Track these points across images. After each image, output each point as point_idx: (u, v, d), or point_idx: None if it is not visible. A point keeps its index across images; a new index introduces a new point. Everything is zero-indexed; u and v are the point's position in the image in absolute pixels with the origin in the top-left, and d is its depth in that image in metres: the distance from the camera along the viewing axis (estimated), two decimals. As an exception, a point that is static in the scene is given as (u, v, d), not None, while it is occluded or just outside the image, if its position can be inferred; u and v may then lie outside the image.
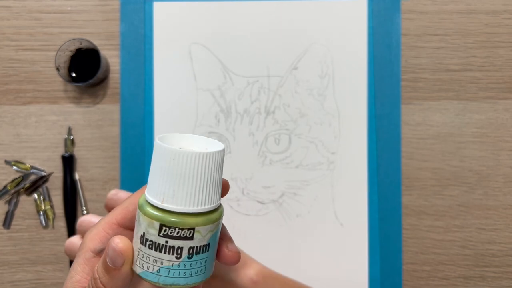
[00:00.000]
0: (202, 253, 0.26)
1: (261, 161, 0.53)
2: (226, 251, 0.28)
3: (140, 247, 0.26)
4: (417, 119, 0.54)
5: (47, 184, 0.53)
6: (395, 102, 0.53)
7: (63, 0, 0.54)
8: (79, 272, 0.28)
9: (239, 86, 0.54)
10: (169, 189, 0.25)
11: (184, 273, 0.26)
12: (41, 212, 0.53)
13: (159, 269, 0.25)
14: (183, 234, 0.25)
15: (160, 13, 0.54)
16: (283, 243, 0.53)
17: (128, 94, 0.53)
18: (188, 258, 0.25)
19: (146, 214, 0.25)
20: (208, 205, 0.25)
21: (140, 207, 0.26)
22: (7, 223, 0.53)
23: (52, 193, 0.53)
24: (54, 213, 0.53)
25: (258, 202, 0.53)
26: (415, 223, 0.53)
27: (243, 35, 0.54)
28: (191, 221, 0.25)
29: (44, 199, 0.53)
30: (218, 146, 0.26)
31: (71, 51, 0.53)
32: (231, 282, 0.39)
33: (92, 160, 0.53)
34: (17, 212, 0.53)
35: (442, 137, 0.54)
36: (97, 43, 0.53)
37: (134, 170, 0.53)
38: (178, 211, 0.25)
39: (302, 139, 0.53)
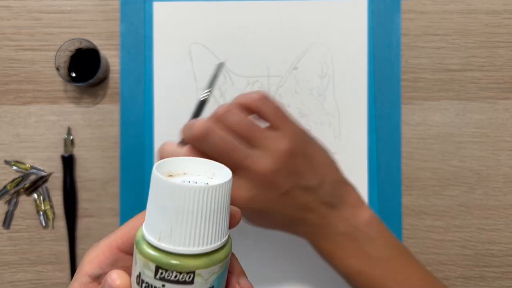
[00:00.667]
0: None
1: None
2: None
3: (135, 286, 0.23)
4: (417, 119, 0.54)
5: (47, 184, 0.53)
6: (395, 102, 0.53)
7: (63, 0, 0.54)
8: None
9: (239, 86, 0.54)
10: (166, 226, 0.22)
11: None
12: (41, 212, 0.53)
13: None
14: (182, 278, 0.22)
15: (160, 13, 0.54)
16: (283, 243, 0.53)
17: (128, 94, 0.53)
18: None
19: (141, 253, 0.23)
20: (211, 244, 0.22)
21: (137, 244, 0.23)
22: (7, 223, 0.53)
23: (52, 193, 0.53)
24: (54, 213, 0.53)
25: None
26: (415, 223, 0.53)
27: (243, 35, 0.54)
28: (191, 263, 0.22)
29: (44, 199, 0.53)
30: (224, 174, 0.23)
31: (71, 51, 0.53)
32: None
33: (92, 160, 0.53)
34: (17, 212, 0.53)
35: (442, 137, 0.54)
36: (97, 43, 0.53)
37: (134, 170, 0.53)
38: (176, 252, 0.22)
39: (302, 139, 0.53)
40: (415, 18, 0.54)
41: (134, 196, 0.53)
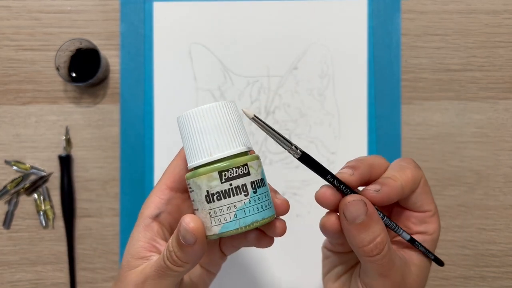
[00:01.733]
0: (262, 186, 0.29)
1: (261, 161, 0.53)
2: (276, 200, 0.31)
3: (210, 207, 0.28)
4: (417, 119, 0.54)
5: (47, 184, 0.53)
6: (395, 102, 0.53)
7: (63, 0, 0.54)
8: (141, 238, 0.31)
9: (239, 86, 0.54)
10: (211, 142, 0.28)
11: (257, 207, 0.28)
12: (41, 212, 0.53)
13: (235, 213, 0.27)
14: (241, 171, 0.27)
15: (160, 13, 0.54)
16: (283, 243, 0.53)
17: (128, 94, 0.53)
18: (254, 192, 0.28)
19: (202, 174, 0.27)
20: (246, 145, 0.29)
21: (192, 176, 0.28)
22: (7, 223, 0.53)
23: (52, 193, 0.53)
24: (54, 213, 0.53)
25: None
26: (415, 223, 0.53)
27: (243, 35, 0.54)
28: (241, 159, 0.28)
29: (44, 199, 0.53)
30: (228, 100, 0.30)
31: (71, 51, 0.53)
32: None
33: (92, 160, 0.53)
34: (17, 212, 0.53)
35: (442, 137, 0.53)
36: (97, 43, 0.53)
37: (134, 170, 0.53)
38: (228, 155, 0.28)
39: (302, 139, 0.53)
40: (415, 18, 0.54)
41: (134, 196, 0.53)
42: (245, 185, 0.27)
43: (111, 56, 0.54)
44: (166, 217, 0.32)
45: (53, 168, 0.53)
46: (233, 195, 0.27)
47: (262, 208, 0.28)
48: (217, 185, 0.27)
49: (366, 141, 0.53)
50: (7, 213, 0.53)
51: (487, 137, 0.54)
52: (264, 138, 0.53)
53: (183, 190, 0.32)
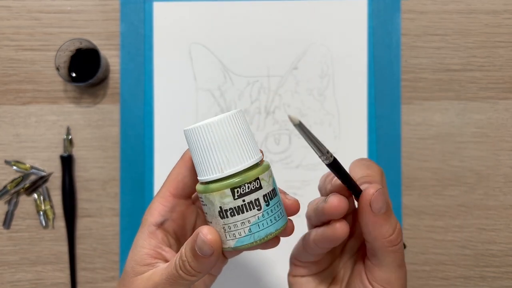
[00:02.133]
0: (274, 197, 0.29)
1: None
2: (287, 201, 0.31)
3: (224, 222, 0.27)
4: (417, 119, 0.54)
5: (47, 184, 0.53)
6: (395, 102, 0.53)
7: (63, 0, 0.54)
8: (146, 245, 0.31)
9: (239, 86, 0.54)
10: (222, 158, 0.27)
11: (270, 220, 0.28)
12: (41, 212, 0.53)
13: (250, 228, 0.27)
14: (253, 186, 0.27)
15: (160, 13, 0.54)
16: (283, 243, 0.53)
17: (128, 94, 0.53)
18: (267, 205, 0.28)
19: (214, 190, 0.27)
20: (257, 156, 0.28)
21: (204, 191, 0.28)
22: (7, 223, 0.53)
23: (52, 193, 0.53)
24: (54, 213, 0.53)
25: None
26: (415, 223, 0.53)
27: (243, 35, 0.54)
28: (253, 173, 0.28)
29: (44, 199, 0.53)
30: (235, 110, 0.29)
31: (71, 51, 0.53)
32: None
33: (92, 160, 0.53)
34: (17, 212, 0.53)
35: (442, 137, 0.53)
36: (97, 43, 0.53)
37: (134, 170, 0.53)
38: (238, 170, 0.27)
39: (302, 139, 0.53)
40: (415, 18, 0.54)
41: (134, 196, 0.53)
42: (257, 199, 0.28)
43: (111, 56, 0.54)
44: (170, 224, 0.32)
45: (53, 168, 0.53)
46: (247, 211, 0.27)
47: (275, 219, 0.28)
48: (230, 202, 0.27)
49: (366, 141, 0.53)
50: (7, 213, 0.53)
51: (487, 137, 0.54)
52: (264, 138, 0.53)
53: (186, 196, 0.32)
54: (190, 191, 0.32)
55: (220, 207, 0.27)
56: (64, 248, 0.53)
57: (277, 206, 0.29)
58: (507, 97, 0.54)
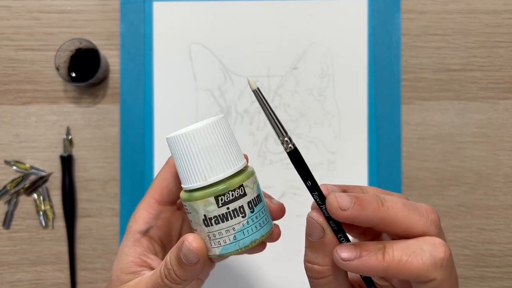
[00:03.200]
0: (259, 203, 0.28)
1: (261, 161, 0.53)
2: (272, 205, 0.30)
3: (208, 230, 0.27)
4: (417, 119, 0.54)
5: (47, 184, 0.53)
6: (395, 102, 0.53)
7: (63, 0, 0.54)
8: (131, 253, 0.30)
9: (239, 86, 0.54)
10: (205, 165, 0.27)
11: (255, 227, 0.28)
12: (41, 212, 0.53)
13: (234, 236, 0.27)
14: (237, 194, 0.27)
15: (160, 13, 0.54)
16: (283, 243, 0.53)
17: (128, 94, 0.53)
18: (251, 212, 0.27)
19: (198, 198, 0.27)
20: (240, 162, 0.28)
21: (188, 199, 0.28)
22: (7, 223, 0.53)
23: (52, 193, 0.53)
24: (54, 213, 0.53)
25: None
26: (415, 223, 0.53)
27: (243, 35, 0.54)
28: (237, 180, 0.27)
29: (43, 199, 0.53)
30: (217, 116, 0.29)
31: (71, 51, 0.53)
32: None
33: (92, 160, 0.53)
34: (16, 212, 0.53)
35: (442, 137, 0.53)
36: (97, 43, 0.53)
37: (134, 170, 0.53)
38: (222, 178, 0.27)
39: (302, 139, 0.53)
40: (415, 18, 0.54)
41: (134, 196, 0.53)
42: (242, 206, 0.27)
43: (111, 56, 0.54)
44: (155, 231, 0.31)
45: (53, 168, 0.53)
46: (231, 218, 0.27)
47: (260, 226, 0.28)
48: (214, 210, 0.27)
49: (366, 141, 0.53)
50: (7, 213, 0.53)
51: (487, 137, 0.54)
52: (264, 138, 0.53)
53: (172, 202, 0.32)
54: (175, 197, 0.32)
55: (205, 215, 0.27)
56: (64, 248, 0.53)
57: (262, 212, 0.28)
58: (507, 97, 0.54)
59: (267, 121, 0.53)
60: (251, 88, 0.26)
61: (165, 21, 0.54)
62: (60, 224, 0.53)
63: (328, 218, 0.25)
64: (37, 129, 0.53)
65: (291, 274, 0.52)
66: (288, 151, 0.25)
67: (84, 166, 0.53)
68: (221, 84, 0.54)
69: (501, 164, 0.53)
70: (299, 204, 0.53)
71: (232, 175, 0.27)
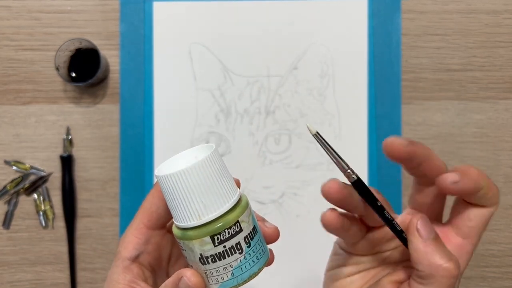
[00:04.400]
0: (255, 235, 0.28)
1: (261, 161, 0.53)
2: (266, 229, 0.30)
3: (205, 268, 0.27)
4: (417, 119, 0.54)
5: (47, 184, 0.53)
6: (395, 102, 0.53)
7: (63, 0, 0.54)
8: (121, 280, 0.30)
9: (239, 86, 0.54)
10: (198, 204, 0.26)
11: (253, 261, 0.27)
12: (41, 212, 0.53)
13: (232, 272, 0.27)
14: (233, 231, 0.26)
15: (160, 13, 0.54)
16: (283, 243, 0.53)
17: (128, 94, 0.53)
18: (248, 247, 0.27)
19: (192, 238, 0.26)
20: (234, 196, 0.27)
21: (182, 237, 0.27)
22: (7, 223, 0.53)
23: (52, 193, 0.53)
24: (53, 213, 0.53)
25: (258, 202, 0.53)
26: (415, 223, 0.53)
27: (243, 35, 0.54)
28: (232, 217, 0.26)
29: (43, 199, 0.53)
30: (210, 148, 0.27)
31: (70, 51, 0.53)
32: None
33: (92, 160, 0.53)
34: (16, 212, 0.53)
35: (442, 137, 0.53)
36: (97, 43, 0.53)
37: (134, 170, 0.53)
38: (217, 216, 0.26)
39: (302, 139, 0.53)
40: (415, 18, 0.54)
41: (133, 196, 0.53)
42: (238, 243, 0.27)
43: (111, 56, 0.54)
44: (145, 257, 0.31)
45: (52, 168, 0.53)
46: (228, 256, 0.26)
47: (257, 259, 0.28)
48: (210, 249, 0.26)
49: (366, 141, 0.53)
50: (7, 213, 0.53)
51: (487, 137, 0.53)
52: (264, 138, 0.53)
53: (161, 226, 0.31)
54: (165, 221, 0.31)
55: (201, 254, 0.26)
56: (64, 248, 0.53)
57: (258, 244, 0.28)
58: (507, 97, 0.54)
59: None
60: (311, 133, 0.26)
61: (165, 21, 0.54)
62: (60, 224, 0.53)
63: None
64: (37, 129, 0.53)
65: (291, 274, 0.52)
66: (352, 181, 0.27)
67: (84, 166, 0.53)
68: (221, 84, 0.54)
69: (501, 164, 0.53)
70: (298, 204, 0.53)
71: (227, 211, 0.26)
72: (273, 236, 0.31)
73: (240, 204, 0.27)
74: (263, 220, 0.31)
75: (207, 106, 0.54)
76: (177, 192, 0.26)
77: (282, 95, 0.53)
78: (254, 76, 0.54)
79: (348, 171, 0.27)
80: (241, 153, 0.53)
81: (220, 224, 0.26)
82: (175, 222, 0.27)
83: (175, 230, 0.28)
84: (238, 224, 0.27)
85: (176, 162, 0.28)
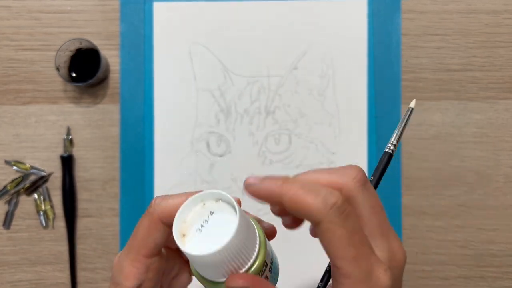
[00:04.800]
0: (273, 261, 0.30)
1: (261, 161, 0.53)
2: (264, 229, 0.30)
3: None
4: (417, 119, 0.54)
5: (47, 184, 0.53)
6: (395, 102, 0.53)
7: (63, 0, 0.54)
8: None
9: (239, 86, 0.54)
10: (232, 266, 0.26)
11: (274, 279, 0.30)
12: (41, 212, 0.53)
13: None
14: (262, 271, 0.28)
15: (160, 13, 0.54)
16: (283, 243, 0.53)
17: (128, 94, 0.53)
18: (270, 271, 0.29)
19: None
20: (257, 241, 0.28)
21: (213, 286, 0.28)
22: (7, 223, 0.53)
23: (52, 193, 0.53)
24: (54, 213, 0.53)
25: (258, 202, 0.53)
26: (415, 223, 0.53)
27: (243, 35, 0.54)
28: (260, 261, 0.27)
29: (44, 199, 0.53)
30: (218, 196, 0.28)
31: (71, 51, 0.53)
32: None
33: (92, 160, 0.53)
34: (17, 212, 0.53)
35: (442, 137, 0.53)
36: (97, 43, 0.53)
37: (134, 170, 0.53)
38: (249, 267, 0.27)
39: (302, 139, 0.53)
40: (415, 18, 0.54)
41: (134, 196, 0.53)
42: (266, 276, 0.29)
43: (111, 56, 0.54)
44: (147, 284, 0.31)
45: (53, 168, 0.53)
46: None
47: (274, 280, 0.31)
48: None
49: (366, 141, 0.53)
50: (7, 213, 0.53)
51: (487, 137, 0.54)
52: (264, 138, 0.53)
53: (158, 252, 0.31)
54: (162, 246, 0.31)
55: None
56: (64, 248, 0.53)
57: (276, 268, 0.30)
58: (507, 97, 0.54)
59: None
60: (410, 106, 0.31)
61: (165, 21, 0.54)
62: (60, 224, 0.53)
63: None
64: (37, 129, 0.53)
65: (291, 274, 0.52)
66: (390, 152, 0.31)
67: (84, 166, 0.53)
68: (221, 84, 0.54)
69: (501, 164, 0.53)
70: (299, 204, 0.53)
71: (256, 256, 0.27)
72: (272, 233, 0.32)
73: (261, 244, 0.28)
74: (260, 220, 0.31)
75: (207, 106, 0.54)
76: (211, 264, 0.26)
77: (282, 95, 0.53)
78: (254, 76, 0.54)
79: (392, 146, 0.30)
80: (241, 153, 0.53)
81: (253, 270, 0.27)
82: (202, 274, 0.28)
83: (199, 278, 0.28)
84: (265, 263, 0.28)
85: (194, 223, 0.27)
